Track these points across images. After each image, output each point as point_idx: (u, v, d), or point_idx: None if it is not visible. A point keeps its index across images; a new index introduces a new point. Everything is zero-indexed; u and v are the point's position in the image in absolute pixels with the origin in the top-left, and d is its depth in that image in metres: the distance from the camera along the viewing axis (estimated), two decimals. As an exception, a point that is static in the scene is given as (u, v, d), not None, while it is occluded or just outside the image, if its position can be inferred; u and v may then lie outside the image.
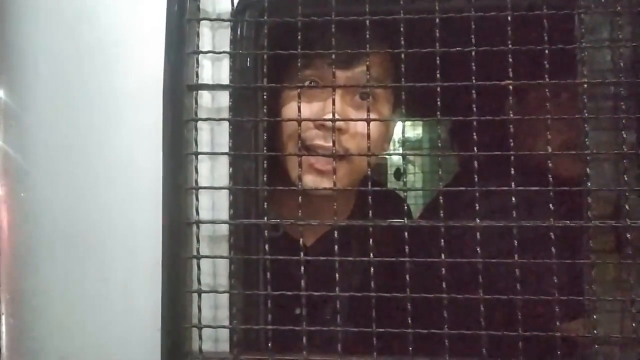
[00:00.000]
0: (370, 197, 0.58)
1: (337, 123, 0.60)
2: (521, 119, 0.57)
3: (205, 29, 0.63)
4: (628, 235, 0.55)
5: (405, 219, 0.58)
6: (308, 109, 0.74)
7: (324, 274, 0.59)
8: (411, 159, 2.85)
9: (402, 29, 0.58)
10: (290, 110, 0.76)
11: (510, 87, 0.57)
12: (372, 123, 0.61)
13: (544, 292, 0.58)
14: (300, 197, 0.59)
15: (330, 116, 0.60)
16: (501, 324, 0.58)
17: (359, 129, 0.74)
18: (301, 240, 0.59)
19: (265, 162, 0.60)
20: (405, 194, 0.78)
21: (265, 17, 0.61)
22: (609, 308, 0.58)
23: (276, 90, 0.73)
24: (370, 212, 0.58)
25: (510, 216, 0.58)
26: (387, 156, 2.96)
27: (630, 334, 0.56)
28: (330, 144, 0.61)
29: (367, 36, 0.58)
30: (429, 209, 1.08)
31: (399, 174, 2.45)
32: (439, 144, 0.61)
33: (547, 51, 0.56)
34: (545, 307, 0.57)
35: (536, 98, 0.90)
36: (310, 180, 0.73)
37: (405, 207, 1.00)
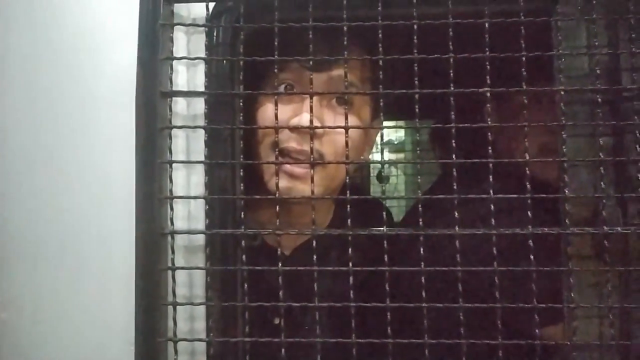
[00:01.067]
0: (349, 205, 0.57)
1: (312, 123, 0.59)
2: (499, 125, 0.57)
3: (179, 34, 0.62)
4: (605, 242, 0.55)
5: (385, 227, 0.57)
6: (283, 111, 0.71)
7: (304, 282, 0.58)
8: (393, 162, 2.87)
9: (380, 35, 0.57)
10: (265, 112, 0.74)
11: (488, 94, 0.57)
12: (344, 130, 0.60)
13: (523, 298, 0.58)
14: (277, 206, 0.57)
15: (305, 118, 0.59)
16: (482, 331, 0.58)
17: (336, 134, 0.72)
18: (279, 250, 0.58)
19: (242, 170, 0.59)
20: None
21: (242, 23, 0.59)
22: (588, 314, 0.58)
23: (255, 100, 0.72)
24: (349, 220, 0.57)
25: (490, 222, 0.57)
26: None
27: (608, 340, 0.56)
28: (305, 147, 0.59)
29: (345, 42, 0.58)
30: (410, 214, 1.07)
31: (381, 176, 2.45)
32: (418, 150, 0.60)
33: (524, 58, 0.56)
34: (526, 312, 0.57)
35: (516, 101, 0.91)
36: (284, 185, 0.71)
37: (384, 214, 1.00)
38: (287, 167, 0.71)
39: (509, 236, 0.56)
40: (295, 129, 0.70)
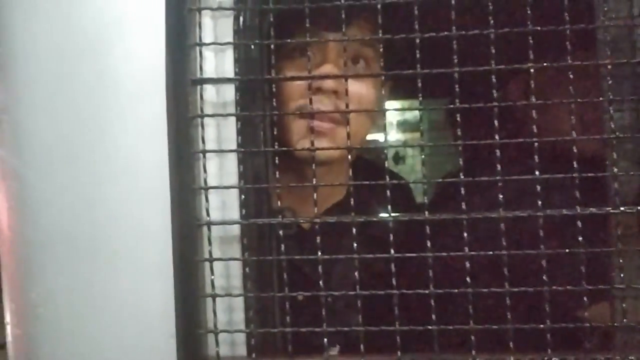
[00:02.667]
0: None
1: (334, 86, 0.65)
2: (545, 103, 0.55)
3: (206, 19, 0.60)
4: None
5: (426, 212, 0.56)
6: (302, 70, 0.73)
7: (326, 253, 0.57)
8: (410, 143, 2.83)
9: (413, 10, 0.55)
10: (287, 82, 0.76)
11: (532, 70, 0.55)
12: (366, 85, 0.72)
13: (568, 279, 0.57)
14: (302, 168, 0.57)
15: (326, 69, 0.69)
16: (524, 314, 0.57)
17: (355, 90, 0.74)
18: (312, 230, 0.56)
19: (276, 157, 0.58)
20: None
21: (270, 5, 0.57)
22: (635, 294, 0.56)
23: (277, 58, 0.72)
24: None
25: (529, 203, 0.56)
26: (383, 139, 2.94)
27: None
28: (329, 107, 0.70)
29: (380, 22, 0.56)
30: (439, 196, 1.05)
31: (398, 157, 2.43)
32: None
33: (568, 32, 0.54)
34: (568, 292, 0.56)
35: (544, 79, 0.88)
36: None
37: (408, 194, 0.98)
38: (315, 124, 0.73)
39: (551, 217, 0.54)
40: (318, 91, 0.73)
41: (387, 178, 0.56)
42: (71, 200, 0.63)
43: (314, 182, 0.57)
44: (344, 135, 0.71)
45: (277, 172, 0.60)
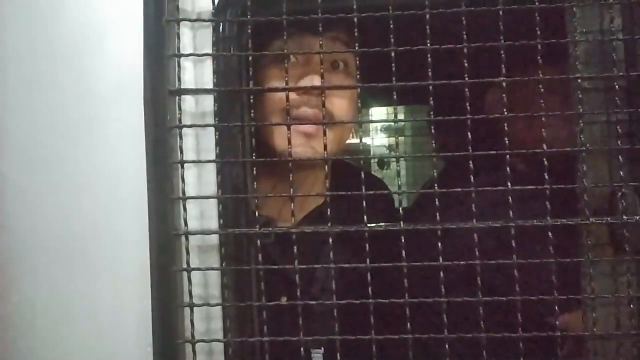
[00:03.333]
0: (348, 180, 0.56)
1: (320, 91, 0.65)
2: (515, 116, 0.56)
3: (185, 30, 0.60)
4: (625, 232, 0.55)
5: (401, 222, 0.57)
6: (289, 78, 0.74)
7: (308, 256, 0.58)
8: (394, 147, 2.85)
9: (391, 25, 0.56)
10: (274, 85, 0.77)
11: (504, 84, 0.56)
12: (344, 93, 0.77)
13: (540, 287, 0.58)
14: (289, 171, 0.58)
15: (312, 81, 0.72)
16: (498, 322, 0.58)
17: (338, 96, 0.79)
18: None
19: (254, 168, 0.58)
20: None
21: (248, 16, 0.58)
22: (606, 302, 0.58)
23: (257, 64, 0.73)
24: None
25: (501, 212, 0.57)
26: (369, 144, 2.96)
27: (627, 329, 0.56)
28: (315, 110, 0.73)
29: (356, 34, 0.56)
30: (418, 204, 1.07)
31: (383, 162, 2.45)
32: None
33: (539, 46, 0.55)
34: (543, 302, 0.57)
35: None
36: (299, 145, 0.75)
37: (388, 201, 1.00)
38: (301, 127, 0.75)
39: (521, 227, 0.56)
40: (303, 93, 0.75)
41: (363, 189, 0.57)
42: (48, 208, 0.63)
43: (292, 192, 0.58)
44: (329, 136, 0.73)
45: (260, 173, 0.61)
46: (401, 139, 2.91)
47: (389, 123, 2.81)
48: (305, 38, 0.77)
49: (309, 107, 0.76)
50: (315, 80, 0.73)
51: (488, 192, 0.57)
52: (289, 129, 0.57)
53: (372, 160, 2.44)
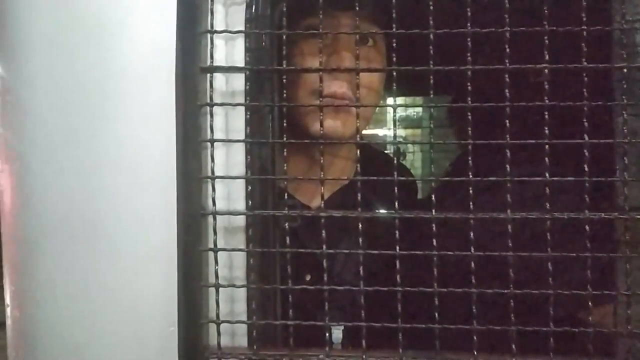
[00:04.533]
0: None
1: (348, 63, 0.68)
2: (556, 104, 0.54)
3: (218, 7, 0.59)
4: (665, 228, 0.53)
5: (433, 210, 0.55)
6: (318, 60, 0.73)
7: (331, 237, 0.58)
8: (410, 138, 2.83)
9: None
10: (303, 62, 0.78)
11: (546, 71, 0.54)
12: (373, 65, 0.77)
13: (572, 281, 0.56)
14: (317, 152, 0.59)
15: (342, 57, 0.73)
16: (527, 316, 0.57)
17: (364, 78, 0.78)
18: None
19: (284, 150, 0.57)
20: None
21: (283, -6, 0.56)
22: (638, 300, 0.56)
23: (288, 42, 0.72)
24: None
25: (533, 203, 0.55)
26: (385, 136, 2.93)
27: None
28: (344, 90, 0.74)
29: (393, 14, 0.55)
30: (440, 191, 1.05)
31: (399, 152, 2.43)
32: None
33: (585, 33, 0.53)
34: (574, 296, 0.56)
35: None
36: (329, 123, 0.76)
37: (410, 189, 0.99)
38: (333, 101, 0.76)
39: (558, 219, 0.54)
40: (333, 72, 0.75)
41: (396, 174, 0.56)
42: (74, 186, 0.62)
43: (322, 175, 0.57)
44: (354, 120, 0.75)
45: (290, 151, 0.61)
46: (418, 130, 2.88)
47: (407, 114, 2.78)
48: (335, 15, 0.77)
49: (339, 88, 0.76)
50: (345, 58, 0.74)
51: (517, 182, 0.55)
52: (321, 110, 0.56)
53: (388, 151, 2.43)
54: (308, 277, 0.80)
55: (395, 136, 0.64)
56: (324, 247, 0.55)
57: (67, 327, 0.63)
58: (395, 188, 0.55)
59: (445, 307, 0.62)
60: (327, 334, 0.56)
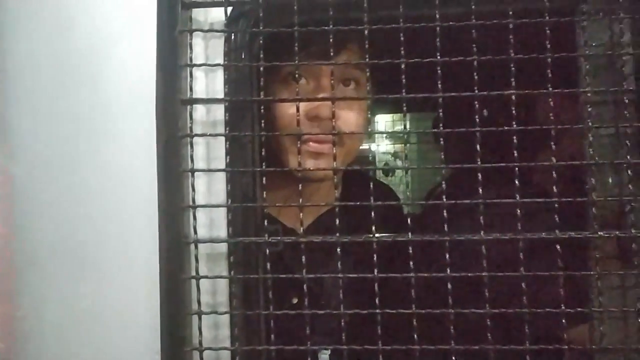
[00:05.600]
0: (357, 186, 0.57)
1: (329, 111, 0.64)
2: (525, 129, 0.56)
3: (197, 40, 0.61)
4: (634, 246, 0.55)
5: (409, 233, 0.57)
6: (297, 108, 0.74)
7: (318, 259, 0.60)
8: (399, 154, 2.86)
9: (402, 37, 0.56)
10: (283, 108, 0.78)
11: (513, 97, 0.56)
12: (355, 107, 0.77)
13: (548, 299, 0.58)
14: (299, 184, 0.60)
15: (321, 108, 0.71)
16: (504, 334, 0.58)
17: (348, 112, 0.79)
18: (303, 258, 0.57)
19: (263, 177, 0.59)
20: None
21: (261, 27, 0.58)
22: (613, 316, 0.58)
23: (268, 86, 0.73)
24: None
25: (510, 224, 0.57)
26: (374, 151, 2.97)
27: (633, 343, 0.56)
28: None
29: (367, 46, 0.57)
30: (426, 213, 1.07)
31: (388, 170, 2.46)
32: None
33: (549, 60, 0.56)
34: (550, 315, 0.57)
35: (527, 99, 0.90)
36: (310, 165, 0.76)
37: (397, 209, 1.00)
38: (312, 145, 0.77)
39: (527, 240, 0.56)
40: (313, 118, 0.76)
41: (372, 199, 0.57)
42: (59, 215, 0.63)
43: (300, 202, 0.58)
44: (340, 154, 0.76)
45: (273, 187, 0.62)
46: (407, 146, 2.92)
47: (395, 129, 2.82)
48: (316, 65, 0.75)
49: (319, 130, 0.76)
50: (325, 107, 0.73)
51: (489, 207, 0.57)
52: (299, 139, 0.58)
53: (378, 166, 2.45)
54: (295, 301, 0.81)
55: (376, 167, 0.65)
56: (304, 271, 0.57)
57: (53, 356, 0.64)
58: (372, 213, 0.57)
59: (429, 328, 0.63)
60: (316, 357, 0.57)
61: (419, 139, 2.50)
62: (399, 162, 2.59)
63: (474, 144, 0.60)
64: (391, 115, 2.49)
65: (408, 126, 0.64)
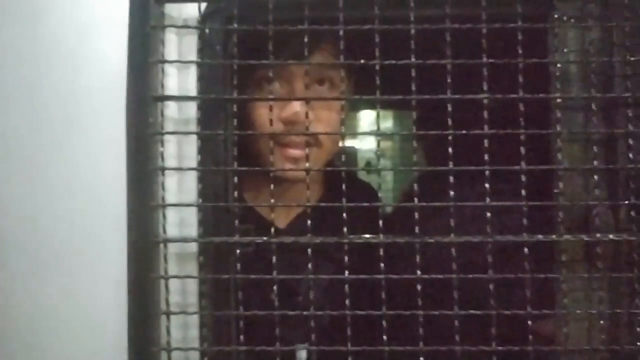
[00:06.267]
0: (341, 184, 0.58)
1: (304, 119, 0.63)
2: (495, 133, 0.57)
3: (170, 36, 0.60)
4: (598, 250, 0.56)
5: (381, 235, 0.57)
6: (274, 107, 0.73)
7: (297, 257, 0.59)
8: (384, 150, 2.87)
9: (377, 39, 0.56)
10: (259, 111, 0.76)
11: (485, 101, 0.57)
12: (331, 106, 0.76)
13: (515, 298, 0.59)
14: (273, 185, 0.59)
15: (294, 107, 0.70)
16: (473, 334, 0.59)
17: (323, 115, 0.78)
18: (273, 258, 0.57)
19: (235, 177, 0.58)
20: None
21: (235, 24, 0.58)
22: (578, 317, 0.59)
23: (242, 91, 0.72)
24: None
25: (483, 224, 0.58)
26: (356, 148, 2.98)
27: (598, 344, 0.57)
28: (300, 139, 0.71)
29: (342, 47, 0.57)
30: (399, 211, 1.07)
31: (370, 166, 2.46)
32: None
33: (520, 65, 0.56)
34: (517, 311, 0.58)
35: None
36: (288, 167, 0.77)
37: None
38: (289, 151, 0.78)
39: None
40: (289, 122, 0.74)
41: (344, 201, 0.57)
42: (25, 212, 0.62)
43: (272, 202, 0.58)
44: (319, 155, 0.77)
45: (249, 188, 0.59)
46: (388, 143, 2.93)
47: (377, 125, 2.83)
48: (290, 66, 0.75)
49: (295, 135, 0.76)
50: (299, 107, 0.72)
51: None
52: (272, 138, 0.57)
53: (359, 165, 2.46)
54: (274, 298, 0.81)
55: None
56: (275, 273, 0.56)
57: (21, 354, 0.63)
58: (344, 214, 0.57)
59: (400, 328, 0.63)
60: (295, 355, 0.57)
61: (402, 136, 2.52)
62: (382, 160, 2.60)
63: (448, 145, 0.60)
64: (373, 111, 2.49)
65: (392, 123, 0.64)
